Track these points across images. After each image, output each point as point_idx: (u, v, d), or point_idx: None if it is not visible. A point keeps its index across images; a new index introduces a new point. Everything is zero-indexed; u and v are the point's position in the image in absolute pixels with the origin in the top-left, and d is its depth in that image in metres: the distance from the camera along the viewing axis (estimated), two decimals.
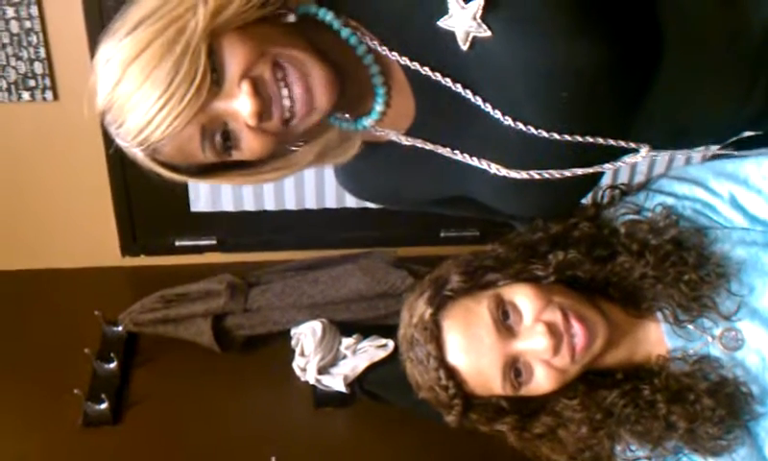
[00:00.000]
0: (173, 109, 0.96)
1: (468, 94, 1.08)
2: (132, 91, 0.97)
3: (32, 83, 2.68)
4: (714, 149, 1.24)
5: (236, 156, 1.04)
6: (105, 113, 1.01)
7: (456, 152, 1.14)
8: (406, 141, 1.14)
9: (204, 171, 1.08)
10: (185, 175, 1.08)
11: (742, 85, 1.13)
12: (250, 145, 1.03)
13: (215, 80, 0.98)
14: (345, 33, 1.06)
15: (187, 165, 1.06)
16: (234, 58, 0.98)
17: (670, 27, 1.09)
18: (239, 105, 0.98)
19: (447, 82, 1.07)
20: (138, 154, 1.03)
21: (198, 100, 0.96)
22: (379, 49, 1.07)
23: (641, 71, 1.09)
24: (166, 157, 1.03)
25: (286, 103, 1.00)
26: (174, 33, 0.96)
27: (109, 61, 0.99)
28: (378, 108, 1.11)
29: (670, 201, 1.25)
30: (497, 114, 1.08)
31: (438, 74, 1.07)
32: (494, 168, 1.13)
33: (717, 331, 1.20)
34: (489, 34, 1.01)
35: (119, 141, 1.03)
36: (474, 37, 1.02)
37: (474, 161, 1.14)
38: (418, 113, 1.12)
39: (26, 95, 2.70)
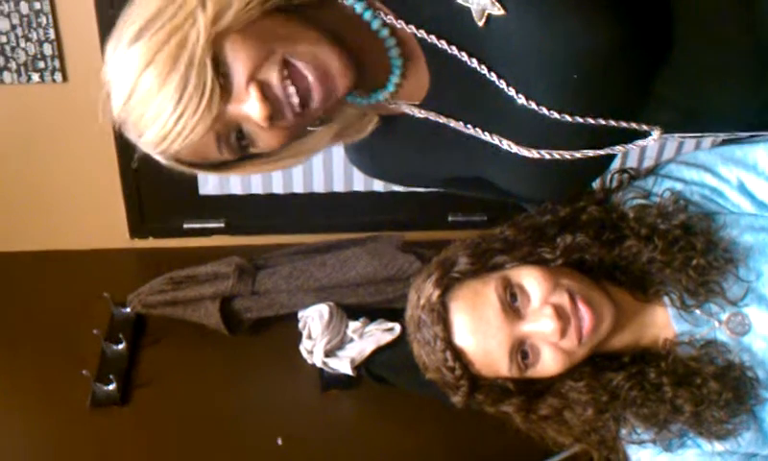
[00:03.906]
0: (187, 122, 0.97)
1: (484, 69, 1.07)
2: (145, 107, 0.98)
3: (41, 64, 2.68)
4: (724, 135, 1.23)
5: (253, 151, 1.06)
6: (122, 125, 1.03)
7: (468, 126, 1.14)
8: (419, 113, 1.14)
9: (226, 163, 1.10)
10: (208, 170, 1.10)
11: (754, 74, 1.13)
12: (266, 142, 1.04)
13: (223, 85, 0.98)
14: (359, 7, 1.06)
15: (208, 163, 1.08)
16: (239, 62, 0.98)
17: (681, 13, 1.08)
18: (249, 108, 0.99)
19: (463, 56, 1.07)
20: (161, 158, 1.06)
21: (210, 111, 0.97)
22: (395, 23, 1.07)
23: (652, 55, 1.09)
24: (186, 159, 1.05)
25: (294, 101, 1.00)
26: (175, 46, 0.96)
27: (118, 72, 1.00)
28: (395, 79, 1.10)
29: (679, 186, 1.24)
30: (511, 92, 1.08)
31: (454, 48, 1.07)
32: (506, 144, 1.13)
33: (724, 316, 1.20)
34: (502, 12, 1.01)
35: (141, 148, 1.05)
36: (489, 14, 1.02)
37: (486, 136, 1.13)
38: (432, 86, 1.12)
39: (35, 77, 2.70)
